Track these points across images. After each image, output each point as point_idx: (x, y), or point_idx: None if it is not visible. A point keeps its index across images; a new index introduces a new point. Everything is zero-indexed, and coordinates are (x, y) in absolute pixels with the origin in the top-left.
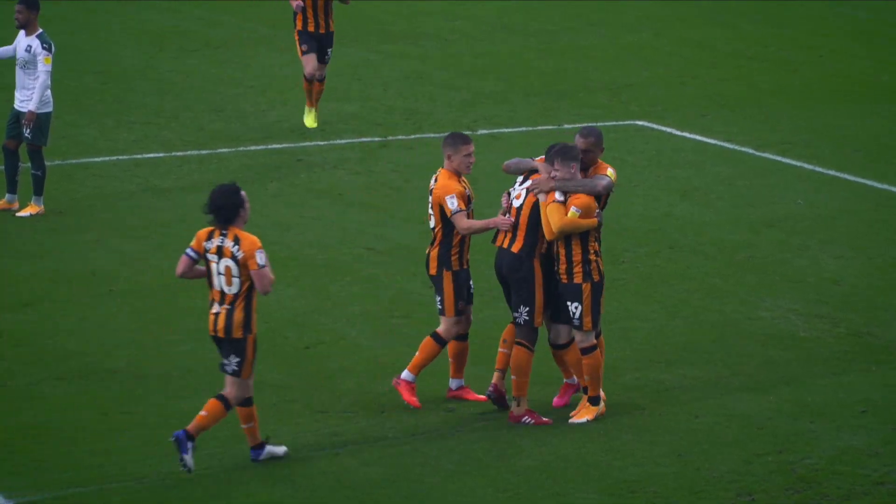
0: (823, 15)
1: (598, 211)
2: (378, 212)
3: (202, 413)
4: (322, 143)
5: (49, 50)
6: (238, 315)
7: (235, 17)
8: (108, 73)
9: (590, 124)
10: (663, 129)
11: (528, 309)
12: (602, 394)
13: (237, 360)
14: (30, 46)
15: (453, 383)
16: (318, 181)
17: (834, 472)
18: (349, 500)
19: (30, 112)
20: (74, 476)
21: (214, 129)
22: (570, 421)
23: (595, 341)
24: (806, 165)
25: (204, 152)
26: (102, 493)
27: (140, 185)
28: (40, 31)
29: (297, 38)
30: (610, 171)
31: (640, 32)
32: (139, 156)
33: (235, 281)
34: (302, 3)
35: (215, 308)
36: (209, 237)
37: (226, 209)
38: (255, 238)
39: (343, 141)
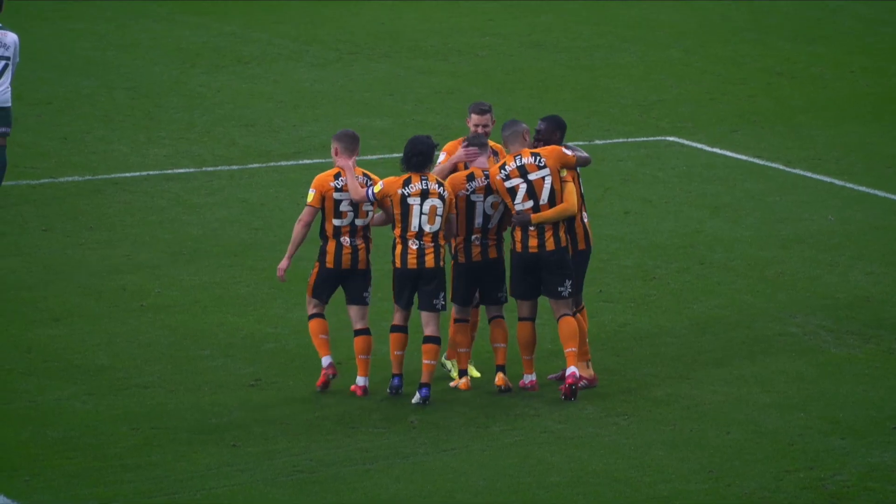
0: (854, 31)
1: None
2: None
3: (430, 363)
4: None
5: None
6: (443, 251)
7: (266, 33)
8: (139, 88)
9: (621, 140)
10: (694, 145)
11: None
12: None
13: (442, 293)
14: None
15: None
16: None
17: (865, 488)
18: None
19: None
20: (105, 491)
21: (245, 144)
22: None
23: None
24: (836, 181)
25: (235, 168)
26: None
27: (171, 201)
28: None
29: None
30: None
31: (670, 49)
32: (170, 171)
33: (438, 219)
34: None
35: (414, 245)
36: (405, 184)
37: (424, 155)
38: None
39: (374, 157)
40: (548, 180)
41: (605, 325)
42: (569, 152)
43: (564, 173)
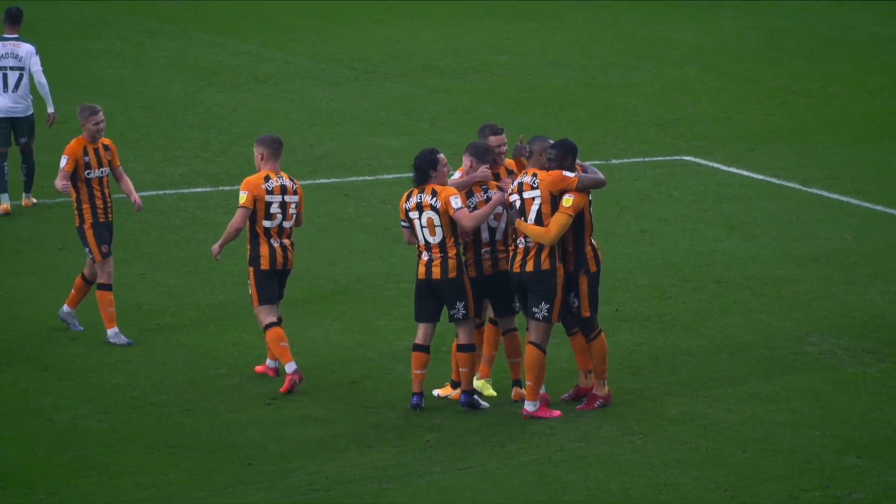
0: (869, 50)
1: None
2: None
3: (463, 370)
4: (369, 177)
5: None
6: (452, 261)
7: (282, 52)
8: (155, 107)
9: (641, 159)
10: (710, 164)
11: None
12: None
13: (460, 302)
14: None
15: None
16: (364, 216)
17: None
18: None
19: None
20: None
21: None
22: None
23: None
24: (852, 201)
25: None
26: None
27: (187, 220)
28: None
29: None
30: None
31: (686, 68)
32: (186, 190)
33: (438, 230)
34: None
35: (426, 256)
36: (407, 199)
37: (419, 170)
38: (450, 189)
39: (390, 176)
40: (537, 202)
41: (621, 344)
42: (571, 175)
43: (568, 203)
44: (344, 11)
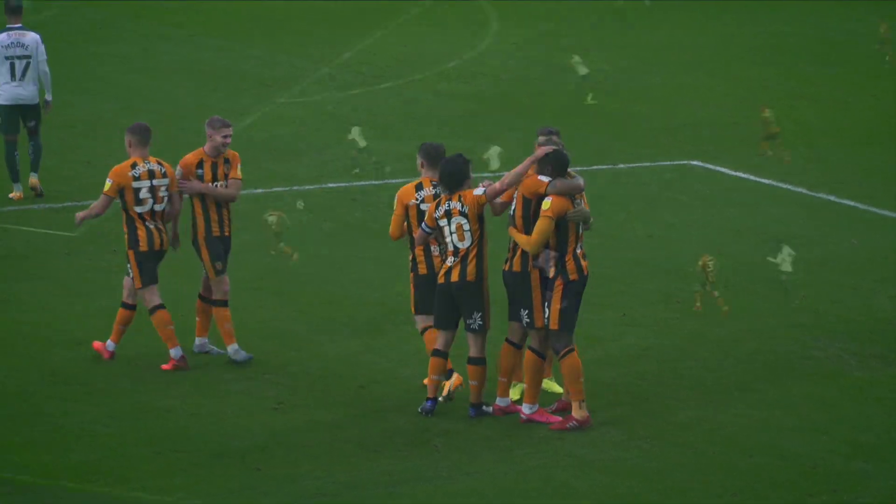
0: (875, 54)
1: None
2: None
3: (473, 383)
4: (377, 182)
5: None
6: (471, 265)
7: (290, 56)
8: (163, 112)
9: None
10: (717, 168)
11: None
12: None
13: (477, 312)
14: None
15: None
16: (373, 220)
17: None
18: None
19: None
20: None
21: (269, 167)
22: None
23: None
24: (859, 205)
25: (258, 191)
26: None
27: None
28: None
29: None
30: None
31: (695, 73)
32: None
33: (467, 235)
34: None
35: (450, 261)
36: (437, 207)
37: (454, 177)
38: (470, 190)
39: (398, 180)
40: (514, 203)
41: (628, 349)
42: (544, 179)
43: (546, 206)
44: (352, 15)
